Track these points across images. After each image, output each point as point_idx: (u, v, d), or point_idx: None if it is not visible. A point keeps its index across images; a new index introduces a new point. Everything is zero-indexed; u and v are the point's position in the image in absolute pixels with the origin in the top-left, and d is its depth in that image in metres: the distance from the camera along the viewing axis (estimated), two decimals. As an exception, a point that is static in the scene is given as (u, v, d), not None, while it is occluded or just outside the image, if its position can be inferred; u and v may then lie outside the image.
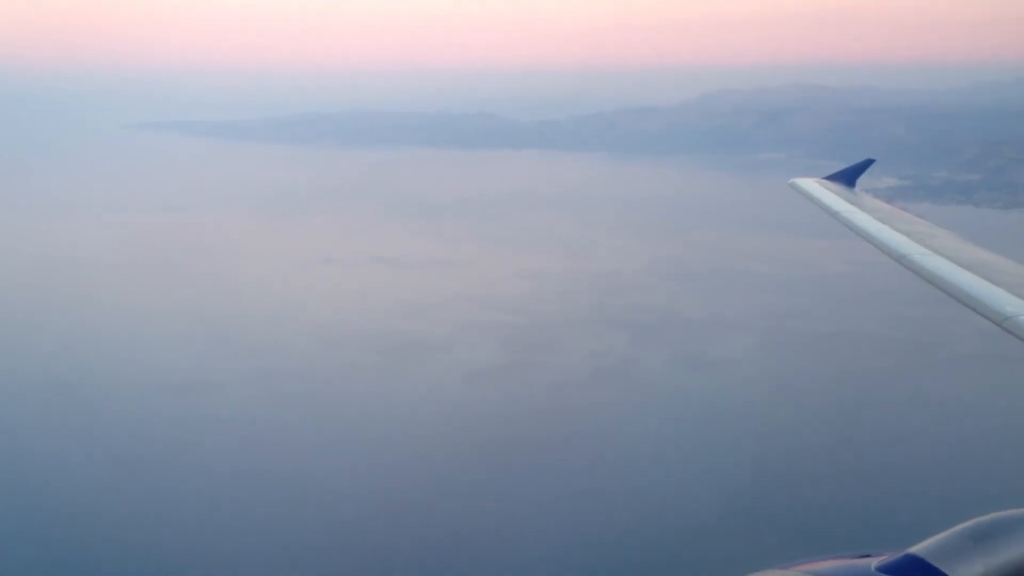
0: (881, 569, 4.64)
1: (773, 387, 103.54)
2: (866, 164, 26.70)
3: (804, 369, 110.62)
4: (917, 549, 4.81)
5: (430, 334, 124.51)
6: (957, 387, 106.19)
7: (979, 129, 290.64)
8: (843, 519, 71.44)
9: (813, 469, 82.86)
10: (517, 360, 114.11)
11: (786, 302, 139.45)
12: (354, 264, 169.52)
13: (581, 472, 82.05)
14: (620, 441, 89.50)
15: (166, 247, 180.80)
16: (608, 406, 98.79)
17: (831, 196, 23.90)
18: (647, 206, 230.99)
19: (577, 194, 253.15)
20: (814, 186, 25.15)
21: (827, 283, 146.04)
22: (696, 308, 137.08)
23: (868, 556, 4.87)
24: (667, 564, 66.25)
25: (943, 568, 4.61)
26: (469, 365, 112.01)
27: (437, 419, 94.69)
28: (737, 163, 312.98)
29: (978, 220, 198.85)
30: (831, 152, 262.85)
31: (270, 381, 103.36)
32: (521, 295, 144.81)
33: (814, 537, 66.64)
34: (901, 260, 18.26)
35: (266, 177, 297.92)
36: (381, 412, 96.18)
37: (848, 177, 25.76)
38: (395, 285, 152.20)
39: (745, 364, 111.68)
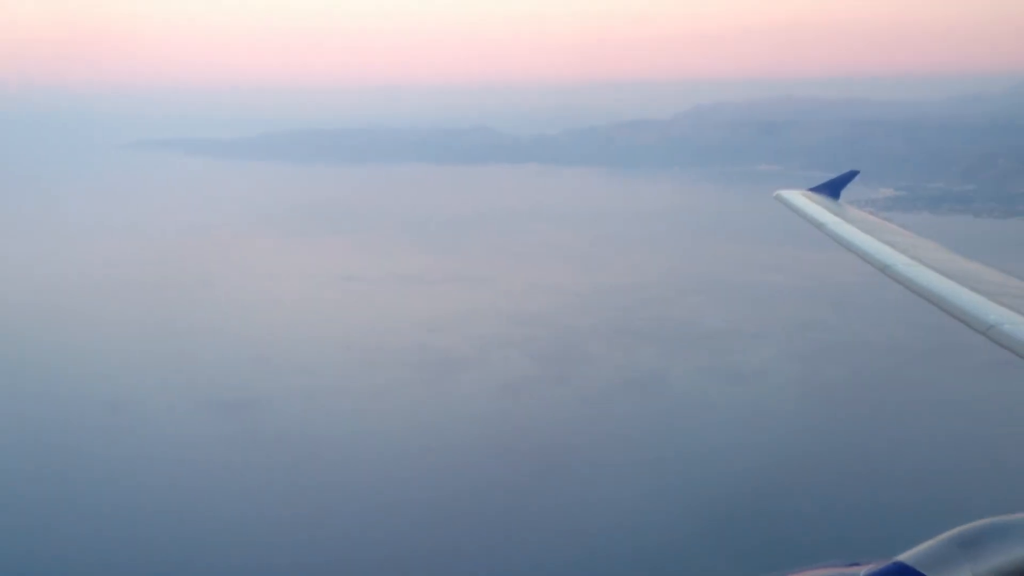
0: None
1: (802, 395, 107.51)
2: (850, 176, 26.53)
3: (829, 378, 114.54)
4: (905, 557, 4.93)
5: (460, 349, 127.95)
6: (972, 393, 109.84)
7: (972, 140, 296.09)
8: (870, 522, 74.96)
9: (840, 473, 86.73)
10: (549, 373, 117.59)
11: (803, 313, 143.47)
12: (375, 281, 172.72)
13: (619, 479, 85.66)
14: (657, 449, 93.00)
15: (184, 267, 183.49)
16: (643, 416, 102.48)
17: (816, 208, 23.82)
18: (653, 219, 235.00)
19: (582, 208, 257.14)
20: (799, 198, 24.97)
21: (840, 293, 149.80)
22: (716, 319, 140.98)
23: (857, 564, 5.01)
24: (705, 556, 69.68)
25: (931, 575, 4.78)
26: (503, 378, 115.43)
27: (480, 431, 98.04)
28: (735, 175, 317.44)
29: (977, 229, 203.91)
30: (827, 164, 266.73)
31: (315, 399, 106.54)
32: (544, 309, 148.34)
33: (842, 539, 70.48)
34: (886, 270, 18.29)
35: (270, 195, 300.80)
36: (426, 426, 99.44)
37: (833, 189, 25.55)
38: (419, 301, 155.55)
39: (772, 374, 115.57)
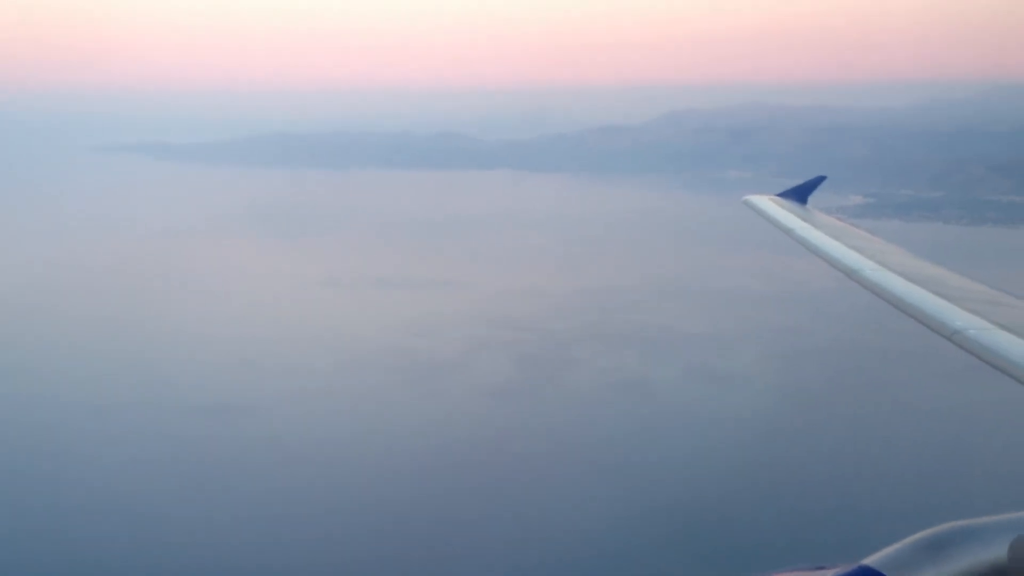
0: None
1: (783, 398, 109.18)
2: (818, 181, 26.71)
3: (808, 381, 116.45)
4: (871, 560, 4.97)
5: (443, 352, 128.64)
6: (950, 397, 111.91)
7: (939, 147, 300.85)
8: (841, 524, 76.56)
9: (823, 473, 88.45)
10: (532, 377, 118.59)
11: (781, 318, 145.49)
12: (355, 285, 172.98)
13: (607, 479, 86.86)
14: (643, 451, 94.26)
15: (160, 271, 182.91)
16: (627, 419, 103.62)
17: (784, 213, 23.97)
18: (626, 225, 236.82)
19: (556, 214, 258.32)
20: (767, 203, 25.11)
21: (817, 298, 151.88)
22: (695, 324, 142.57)
23: (823, 568, 5.07)
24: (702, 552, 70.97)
25: None
26: (487, 382, 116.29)
27: (465, 433, 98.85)
28: (707, 180, 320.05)
29: (946, 236, 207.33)
30: (798, 171, 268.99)
31: (301, 402, 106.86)
32: (524, 313, 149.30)
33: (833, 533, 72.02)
34: (853, 276, 18.35)
35: (242, 199, 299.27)
36: (412, 429, 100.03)
37: (800, 194, 25.81)
38: (399, 305, 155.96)
39: (753, 378, 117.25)
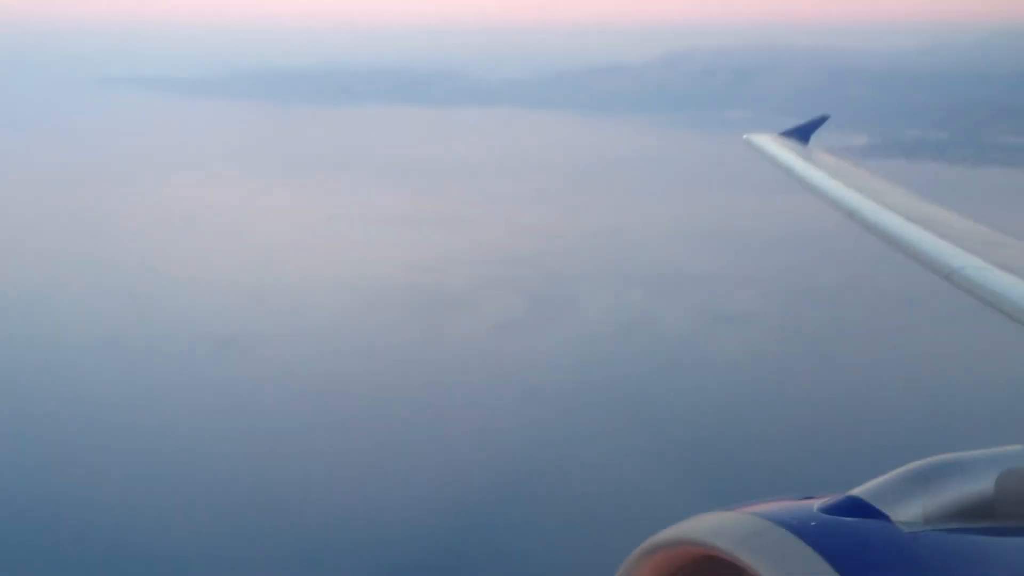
0: (823, 510, 4.84)
1: (795, 337, 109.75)
2: (820, 121, 26.19)
3: (819, 320, 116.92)
4: (859, 491, 5.00)
5: (453, 289, 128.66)
6: (951, 336, 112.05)
7: (945, 89, 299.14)
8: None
9: (827, 410, 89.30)
10: (543, 313, 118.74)
11: (787, 259, 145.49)
12: (358, 222, 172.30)
13: (620, 412, 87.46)
14: (654, 388, 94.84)
15: (166, 205, 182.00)
16: (638, 357, 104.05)
17: (784, 152, 23.50)
18: (629, 165, 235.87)
19: (557, 154, 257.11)
20: (768, 142, 24.68)
21: (824, 239, 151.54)
22: (702, 264, 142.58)
23: (811, 498, 5.10)
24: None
25: (884, 509, 4.84)
26: (497, 318, 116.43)
27: (480, 368, 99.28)
28: (708, 121, 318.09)
29: (951, 177, 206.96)
30: (802, 112, 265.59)
31: (317, 336, 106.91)
32: (530, 252, 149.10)
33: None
34: (852, 215, 18.21)
35: (237, 135, 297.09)
36: (428, 362, 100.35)
37: (802, 133, 25.26)
38: (405, 242, 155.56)
39: (764, 316, 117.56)
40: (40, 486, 72.83)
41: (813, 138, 25.14)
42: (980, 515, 4.96)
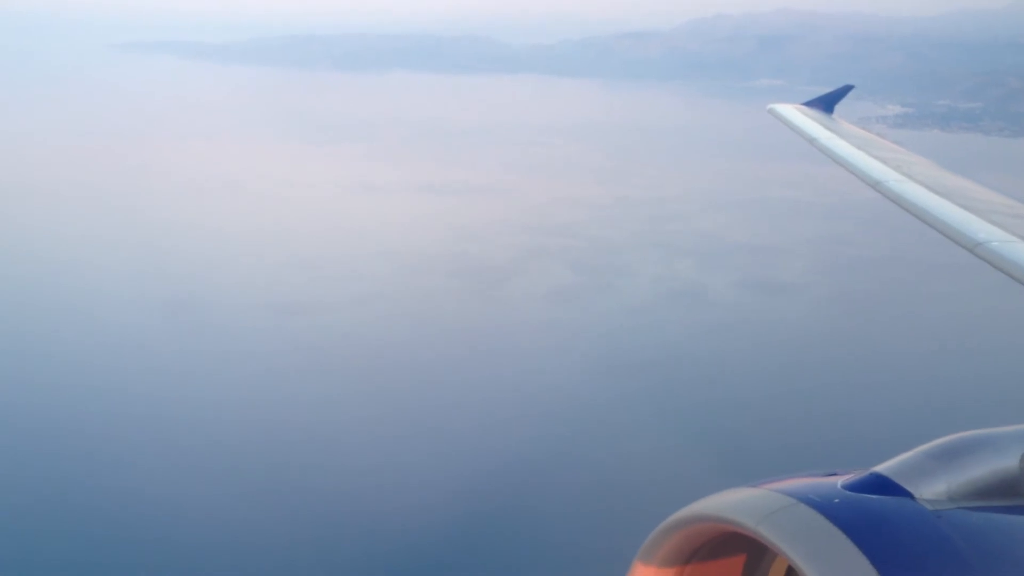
0: (846, 487, 4.76)
1: (842, 308, 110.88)
2: (845, 90, 26.13)
3: (863, 291, 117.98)
4: (882, 468, 4.90)
5: (497, 258, 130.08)
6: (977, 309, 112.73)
7: (974, 58, 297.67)
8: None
9: (868, 382, 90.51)
10: (589, 283, 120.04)
11: (827, 227, 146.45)
12: (395, 190, 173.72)
13: (665, 379, 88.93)
14: (704, 357, 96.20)
15: (205, 172, 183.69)
16: (694, 326, 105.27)
17: (809, 122, 23.28)
18: (661, 134, 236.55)
19: (588, 121, 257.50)
20: (792, 112, 24.50)
21: (860, 208, 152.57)
22: (744, 234, 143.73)
23: (834, 475, 4.98)
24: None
25: (907, 486, 4.78)
26: (545, 286, 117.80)
27: (529, 337, 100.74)
28: (737, 90, 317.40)
29: (988, 147, 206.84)
30: (830, 80, 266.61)
31: (368, 304, 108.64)
32: (570, 221, 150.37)
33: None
34: (877, 187, 17.91)
35: (271, 102, 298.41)
36: (481, 330, 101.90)
37: (827, 103, 25.26)
38: (445, 211, 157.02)
39: (810, 287, 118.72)
40: (104, 432, 74.75)
41: (839, 107, 25.21)
42: (1005, 493, 4.94)
